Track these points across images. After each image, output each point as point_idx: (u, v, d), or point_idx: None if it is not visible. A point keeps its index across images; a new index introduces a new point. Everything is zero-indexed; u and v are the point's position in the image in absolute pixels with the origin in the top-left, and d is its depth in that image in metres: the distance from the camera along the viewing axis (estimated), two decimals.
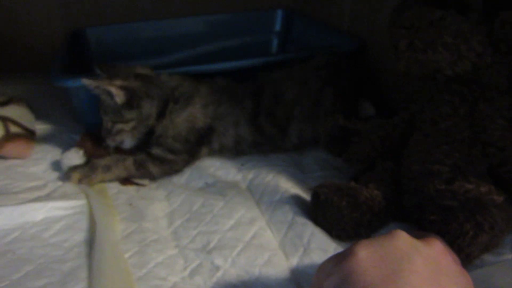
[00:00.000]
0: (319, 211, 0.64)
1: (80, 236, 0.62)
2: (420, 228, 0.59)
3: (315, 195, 0.65)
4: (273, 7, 1.25)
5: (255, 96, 0.83)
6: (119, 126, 0.78)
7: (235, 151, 0.82)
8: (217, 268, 0.58)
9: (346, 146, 0.71)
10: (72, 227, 0.64)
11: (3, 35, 1.15)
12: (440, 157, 0.60)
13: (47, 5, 1.19)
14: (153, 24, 1.21)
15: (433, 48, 0.62)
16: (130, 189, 0.74)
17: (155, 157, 0.77)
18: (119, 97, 0.76)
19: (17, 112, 0.87)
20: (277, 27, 1.26)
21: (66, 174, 0.75)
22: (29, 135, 0.83)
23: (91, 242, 0.61)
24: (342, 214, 0.61)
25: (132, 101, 0.77)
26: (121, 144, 0.81)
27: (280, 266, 0.58)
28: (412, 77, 0.65)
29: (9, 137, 0.80)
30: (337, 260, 0.41)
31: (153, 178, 0.77)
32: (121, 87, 0.76)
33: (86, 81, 0.75)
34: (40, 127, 0.90)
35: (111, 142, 0.80)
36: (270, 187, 0.73)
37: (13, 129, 0.81)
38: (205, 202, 0.70)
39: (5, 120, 0.82)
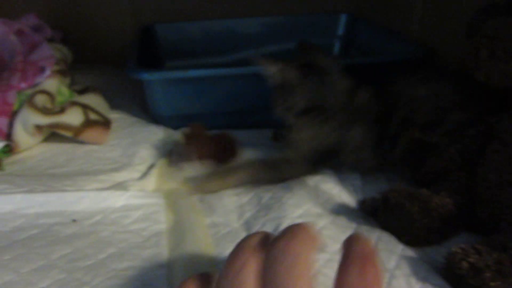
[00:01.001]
0: (389, 215, 0.65)
1: (157, 227, 0.64)
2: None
3: (385, 199, 0.65)
4: (338, 12, 1.26)
5: (385, 115, 0.76)
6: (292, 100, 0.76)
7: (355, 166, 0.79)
8: None
9: (422, 159, 0.70)
10: (149, 218, 0.66)
11: (78, 30, 1.22)
12: None
13: (118, 2, 1.24)
14: (218, 23, 1.25)
15: None
16: None
17: (288, 160, 0.77)
18: (273, 78, 0.75)
19: (94, 100, 0.92)
20: (340, 31, 1.27)
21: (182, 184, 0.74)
22: (106, 123, 0.88)
23: (171, 233, 0.63)
24: (414, 219, 0.62)
25: (284, 87, 0.75)
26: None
27: None
28: (492, 87, 0.64)
29: (89, 123, 0.84)
30: None
31: (281, 181, 0.75)
32: (280, 70, 0.75)
33: (261, 61, 0.75)
34: (113, 116, 0.95)
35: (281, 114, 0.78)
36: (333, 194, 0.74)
37: (92, 116, 0.86)
38: (273, 195, 0.71)
39: (85, 107, 0.86)
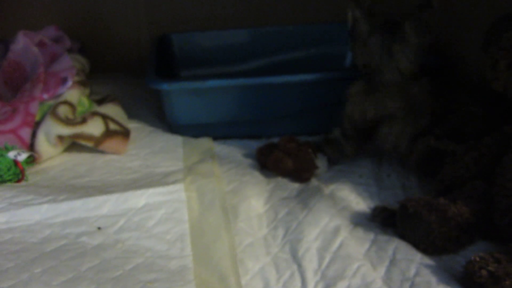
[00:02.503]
0: (407, 224, 0.66)
1: (180, 228, 0.66)
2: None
3: (403, 208, 0.66)
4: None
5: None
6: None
7: None
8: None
9: (438, 168, 0.71)
10: (172, 218, 0.68)
11: (95, 40, 1.24)
12: None
13: (135, 12, 1.27)
14: (233, 32, 1.26)
15: None
16: None
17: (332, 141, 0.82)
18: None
19: (113, 110, 0.94)
20: None
21: None
22: (125, 132, 0.90)
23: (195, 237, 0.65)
24: (431, 228, 0.63)
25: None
26: None
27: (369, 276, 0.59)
28: (510, 97, 0.65)
29: (109, 133, 0.86)
30: None
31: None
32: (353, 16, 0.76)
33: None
34: (131, 126, 0.97)
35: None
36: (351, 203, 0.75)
37: (112, 126, 0.88)
38: (290, 211, 0.72)
39: (105, 117, 0.88)
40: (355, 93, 0.80)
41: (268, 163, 0.81)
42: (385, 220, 0.69)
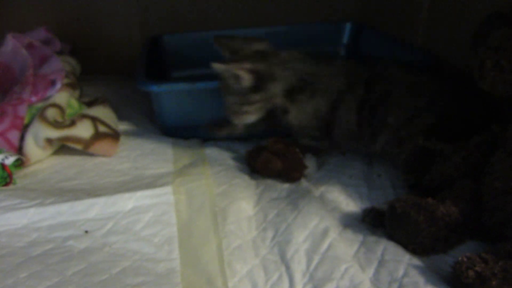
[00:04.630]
0: (396, 224, 0.65)
1: (168, 231, 0.66)
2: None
3: (391, 208, 0.66)
4: (343, 20, 1.27)
5: (368, 85, 0.82)
6: (245, 108, 0.80)
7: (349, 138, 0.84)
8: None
9: (426, 167, 0.71)
10: (160, 220, 0.68)
11: (86, 41, 1.23)
12: None
13: (126, 13, 1.27)
14: (224, 33, 1.26)
15: None
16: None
17: (305, 146, 0.83)
18: (247, 81, 0.78)
19: (103, 112, 0.93)
20: (345, 40, 1.27)
21: None
22: (115, 135, 0.89)
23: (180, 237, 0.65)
24: (420, 228, 0.62)
25: (259, 83, 0.78)
26: (245, 121, 0.83)
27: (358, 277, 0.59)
28: (496, 96, 0.65)
29: (99, 135, 0.86)
30: None
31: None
32: (250, 71, 0.77)
33: (216, 65, 0.77)
34: (121, 127, 0.96)
35: (236, 121, 0.83)
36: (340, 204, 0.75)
37: (101, 128, 0.87)
38: (279, 212, 0.72)
39: (94, 119, 0.88)
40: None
41: (257, 165, 0.81)
42: (375, 221, 0.69)
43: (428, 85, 0.81)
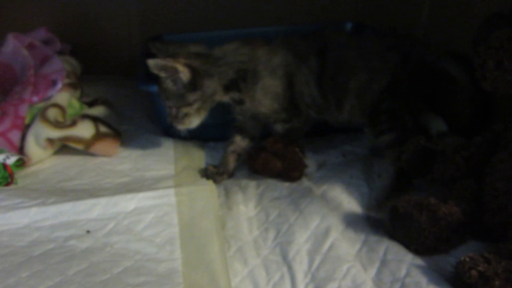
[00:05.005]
0: (398, 225, 0.65)
1: (170, 231, 0.66)
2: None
3: (393, 209, 0.66)
4: (344, 20, 1.26)
5: (320, 55, 0.82)
6: (185, 110, 0.79)
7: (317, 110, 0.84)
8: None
9: (428, 167, 0.71)
10: (162, 221, 0.68)
11: (87, 41, 1.23)
12: None
13: (126, 13, 1.26)
14: (224, 33, 1.25)
15: None
16: None
17: (283, 133, 0.83)
18: (185, 74, 0.76)
19: (104, 112, 0.93)
20: None
21: None
22: (116, 135, 0.89)
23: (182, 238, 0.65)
24: (422, 228, 0.62)
25: (195, 81, 0.77)
26: (189, 126, 0.81)
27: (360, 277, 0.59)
28: (498, 96, 0.65)
29: (100, 135, 0.86)
30: None
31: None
32: (186, 65, 0.76)
33: (151, 61, 0.76)
34: (122, 128, 0.96)
35: (180, 127, 0.81)
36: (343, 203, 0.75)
37: (102, 128, 0.87)
38: (280, 213, 0.72)
39: (95, 119, 0.88)
40: None
41: (257, 166, 0.81)
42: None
43: (376, 47, 0.83)
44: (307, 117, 0.85)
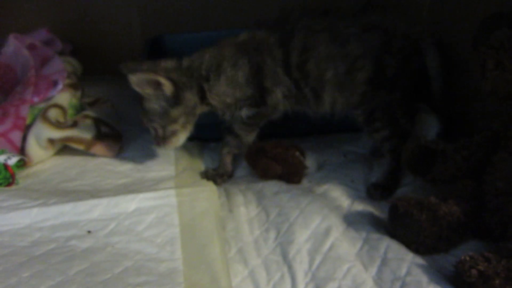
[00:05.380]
0: (398, 224, 0.66)
1: (171, 232, 0.66)
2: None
3: (394, 208, 0.66)
4: None
5: (282, 43, 0.78)
6: (171, 127, 0.77)
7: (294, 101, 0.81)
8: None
9: (429, 166, 0.71)
10: (162, 221, 0.68)
11: (87, 42, 1.23)
12: None
13: (126, 14, 1.26)
14: (225, 33, 1.25)
15: None
16: None
17: (248, 119, 0.81)
18: (167, 87, 0.74)
19: (105, 113, 0.93)
20: None
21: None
22: (117, 136, 0.89)
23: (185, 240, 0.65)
24: (422, 227, 0.63)
25: (178, 94, 0.76)
26: (177, 144, 0.79)
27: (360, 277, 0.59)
28: (499, 96, 0.65)
29: (100, 136, 0.86)
30: None
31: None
32: (167, 77, 0.75)
33: (133, 77, 0.74)
34: (123, 128, 0.96)
35: (168, 147, 0.79)
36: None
37: (103, 129, 0.87)
38: (281, 211, 0.72)
39: (96, 120, 0.88)
40: None
41: (257, 171, 0.81)
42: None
43: (350, 28, 0.77)
44: (275, 106, 0.81)
